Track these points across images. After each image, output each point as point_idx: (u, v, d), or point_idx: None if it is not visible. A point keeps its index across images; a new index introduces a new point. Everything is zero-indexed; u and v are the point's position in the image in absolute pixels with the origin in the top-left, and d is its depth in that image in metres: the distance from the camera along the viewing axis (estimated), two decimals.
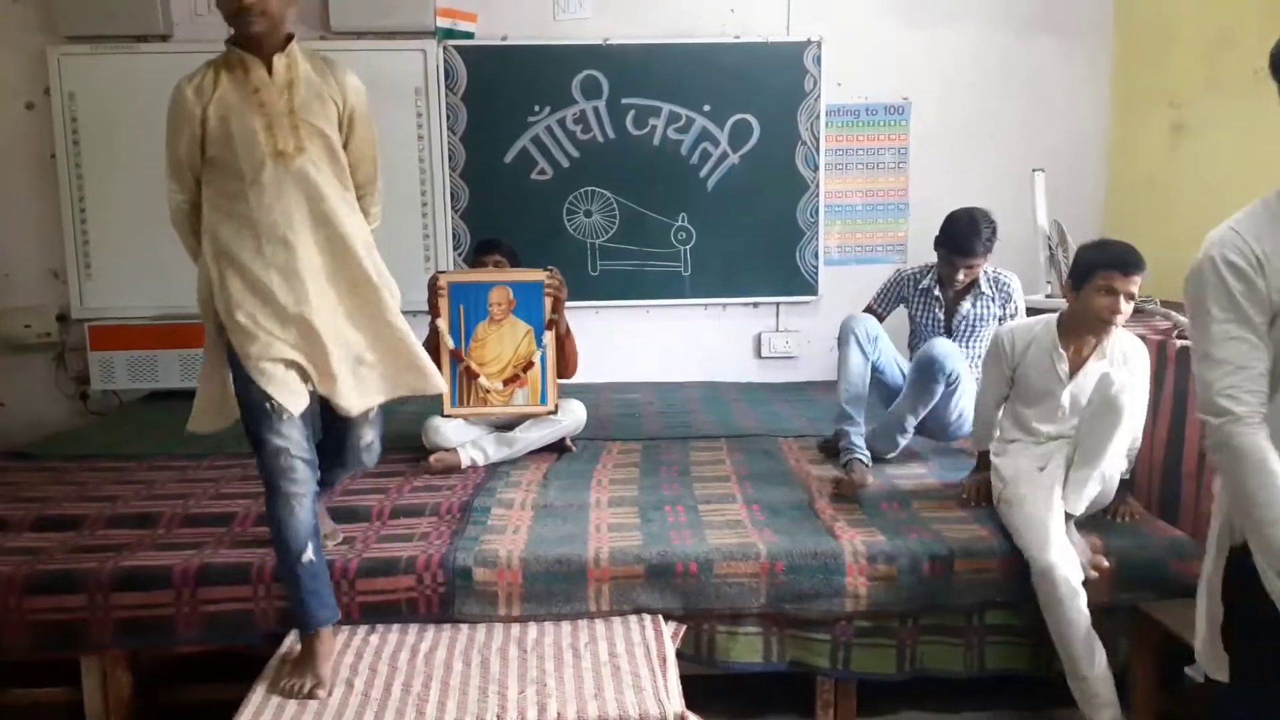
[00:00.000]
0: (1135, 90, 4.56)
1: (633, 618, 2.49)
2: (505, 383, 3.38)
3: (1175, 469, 3.05)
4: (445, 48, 4.57)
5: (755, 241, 4.75)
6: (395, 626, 2.45)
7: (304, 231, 2.24)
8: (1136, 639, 2.60)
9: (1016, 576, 2.55)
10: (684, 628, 2.53)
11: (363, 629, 2.44)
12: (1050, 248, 4.12)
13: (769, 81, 4.67)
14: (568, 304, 3.43)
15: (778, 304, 4.85)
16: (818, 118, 4.68)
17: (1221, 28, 3.92)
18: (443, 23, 4.54)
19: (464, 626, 2.45)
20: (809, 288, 4.78)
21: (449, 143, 4.64)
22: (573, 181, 4.71)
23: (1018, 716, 2.66)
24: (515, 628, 2.45)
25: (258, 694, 2.13)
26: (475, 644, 2.36)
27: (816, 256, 4.76)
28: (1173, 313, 3.37)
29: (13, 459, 3.63)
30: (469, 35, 4.59)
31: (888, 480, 3.12)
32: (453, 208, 4.68)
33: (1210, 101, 3.99)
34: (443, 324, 3.34)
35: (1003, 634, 2.62)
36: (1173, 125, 4.17)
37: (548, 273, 3.37)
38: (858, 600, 2.54)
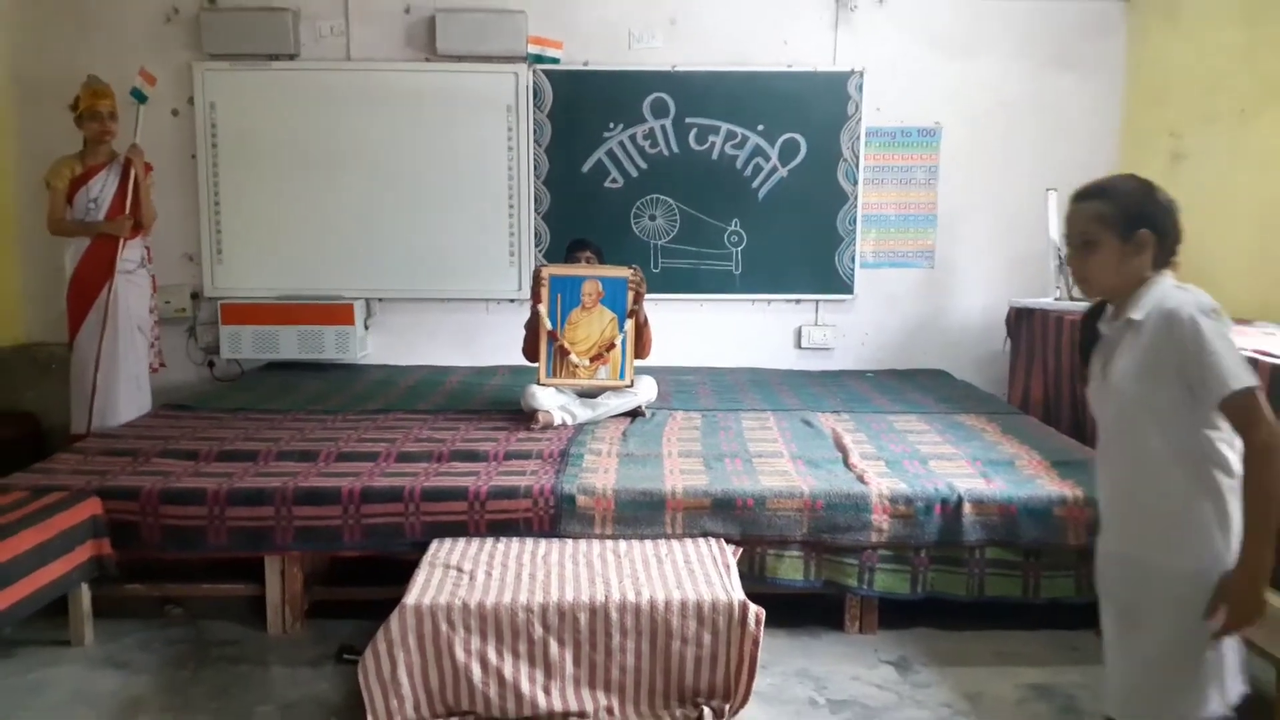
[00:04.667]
0: (1141, 121, 5.15)
1: (701, 539, 3.14)
2: (592, 359, 4.06)
3: None
4: (534, 71, 5.25)
5: (799, 245, 5.38)
6: (515, 539, 3.12)
7: None
8: None
9: (1012, 521, 3.16)
10: (741, 550, 3.17)
11: (490, 539, 3.11)
12: (1059, 258, 4.71)
13: (816, 105, 5.30)
14: None
15: (817, 301, 5.48)
16: (858, 138, 5.31)
17: (1215, 70, 4.51)
18: (533, 49, 5.22)
19: (569, 540, 3.11)
20: (846, 287, 5.41)
21: (534, 153, 5.32)
22: (640, 189, 5.37)
23: (1010, 635, 3.24)
24: (609, 542, 3.10)
25: (423, 573, 2.81)
26: (580, 551, 3.02)
27: (853, 260, 5.39)
28: None
29: (177, 410, 4.36)
30: (555, 60, 5.25)
31: (911, 446, 3.73)
32: (536, 210, 5.36)
33: (1205, 133, 4.58)
34: (543, 309, 4.02)
35: (999, 567, 3.22)
36: (1172, 154, 4.76)
37: (632, 270, 4.04)
38: (881, 533, 3.16)
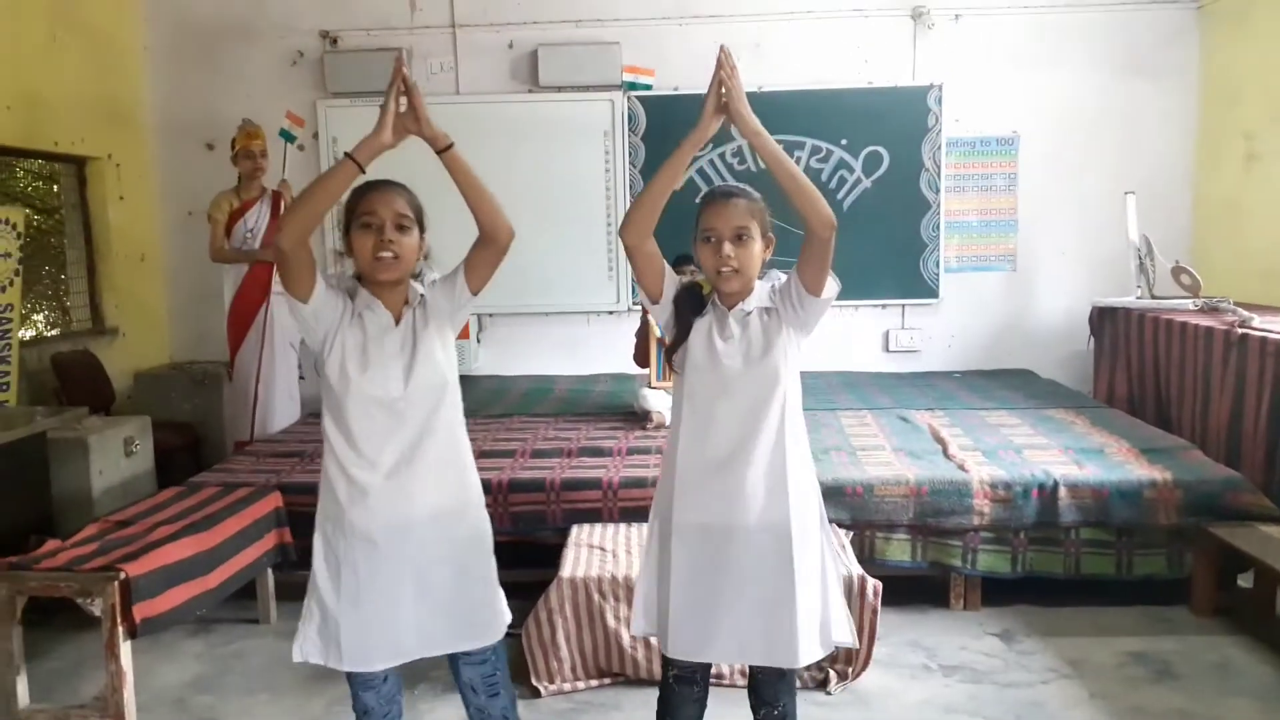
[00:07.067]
0: (1215, 125, 5.31)
1: None
2: None
3: (1238, 429, 3.86)
4: (629, 98, 5.63)
5: (884, 252, 5.64)
6: (644, 523, 3.43)
7: None
8: (1200, 551, 3.41)
9: (1105, 503, 3.40)
10: (851, 533, 3.46)
11: (622, 524, 3.45)
12: (1140, 258, 4.92)
13: (897, 119, 5.58)
14: None
15: (903, 305, 5.75)
16: (939, 148, 5.57)
17: None
18: (627, 77, 5.60)
19: None
20: (931, 292, 5.66)
21: (630, 174, 5.69)
22: None
23: (1106, 610, 3.47)
24: None
25: (571, 552, 3.16)
26: None
27: (938, 265, 5.64)
28: (1240, 309, 4.15)
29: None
30: (648, 87, 5.63)
31: (1005, 438, 3.98)
32: None
33: (1278, 134, 4.74)
34: (652, 317, 4.35)
35: (1094, 546, 3.47)
36: (1246, 155, 4.93)
37: None
38: (982, 517, 3.43)
